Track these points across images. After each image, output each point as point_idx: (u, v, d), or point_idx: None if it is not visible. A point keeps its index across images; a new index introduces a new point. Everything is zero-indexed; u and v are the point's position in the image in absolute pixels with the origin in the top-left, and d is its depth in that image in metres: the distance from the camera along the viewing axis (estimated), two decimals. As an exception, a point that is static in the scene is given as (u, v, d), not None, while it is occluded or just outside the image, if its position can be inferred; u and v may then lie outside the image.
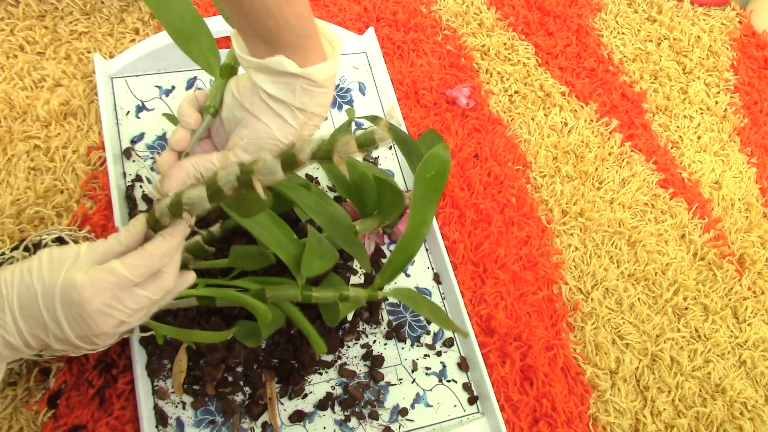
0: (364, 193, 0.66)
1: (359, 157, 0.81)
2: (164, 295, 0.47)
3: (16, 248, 0.57)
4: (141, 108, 0.78)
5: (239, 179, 0.44)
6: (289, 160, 0.44)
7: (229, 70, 0.57)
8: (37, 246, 0.56)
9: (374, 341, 0.70)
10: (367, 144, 0.44)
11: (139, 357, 0.63)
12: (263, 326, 0.57)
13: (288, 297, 0.58)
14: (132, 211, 0.71)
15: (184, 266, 0.60)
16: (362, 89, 0.86)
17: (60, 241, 0.58)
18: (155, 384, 0.63)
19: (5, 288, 0.43)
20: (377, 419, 0.66)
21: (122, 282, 0.44)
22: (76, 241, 0.57)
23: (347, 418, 0.66)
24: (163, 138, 0.76)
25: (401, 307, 0.73)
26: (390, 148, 0.83)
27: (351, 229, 0.65)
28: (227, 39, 0.85)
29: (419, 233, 0.59)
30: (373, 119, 0.49)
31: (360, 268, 0.73)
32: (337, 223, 0.62)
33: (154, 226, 0.48)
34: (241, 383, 0.65)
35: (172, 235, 0.47)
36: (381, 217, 0.67)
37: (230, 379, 0.65)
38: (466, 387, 0.70)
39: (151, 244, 0.46)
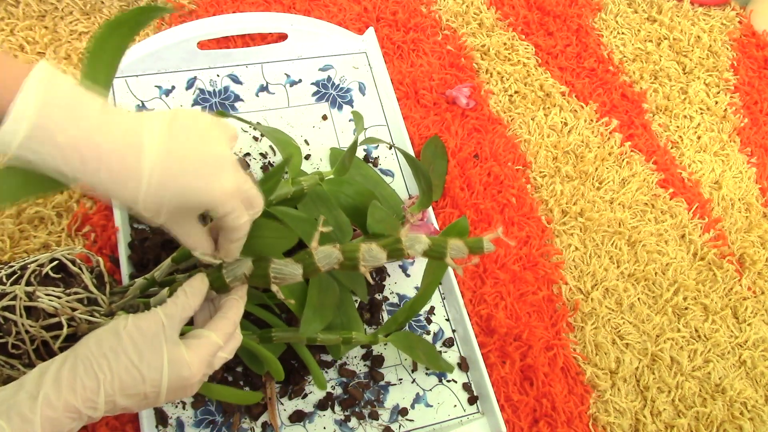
0: (365, 208, 0.66)
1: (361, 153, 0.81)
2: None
3: (12, 275, 0.55)
4: (141, 108, 0.78)
5: (342, 263, 0.48)
6: (397, 253, 0.48)
7: None
8: (38, 275, 0.54)
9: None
10: (475, 252, 0.49)
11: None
12: (271, 369, 0.59)
13: (293, 339, 0.60)
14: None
15: None
16: (362, 89, 0.86)
17: (59, 264, 0.56)
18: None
19: (101, 373, 0.42)
20: (377, 419, 0.66)
21: (216, 350, 0.47)
22: (73, 262, 0.56)
23: (347, 418, 0.66)
24: (163, 138, 0.76)
25: (401, 307, 0.73)
26: (390, 148, 0.83)
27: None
28: (211, 41, 0.85)
29: (426, 296, 0.65)
30: (477, 242, 0.51)
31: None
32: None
33: (218, 287, 0.50)
34: (241, 383, 0.65)
35: (243, 297, 0.50)
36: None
37: (230, 379, 0.65)
38: (466, 387, 0.70)
39: (231, 311, 0.49)
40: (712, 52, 1.04)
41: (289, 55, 0.86)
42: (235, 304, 0.49)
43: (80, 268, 0.56)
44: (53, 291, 0.53)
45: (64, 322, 0.53)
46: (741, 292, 0.83)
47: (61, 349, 0.53)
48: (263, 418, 0.64)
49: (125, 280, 0.65)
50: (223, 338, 0.47)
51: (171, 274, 0.58)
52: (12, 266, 0.55)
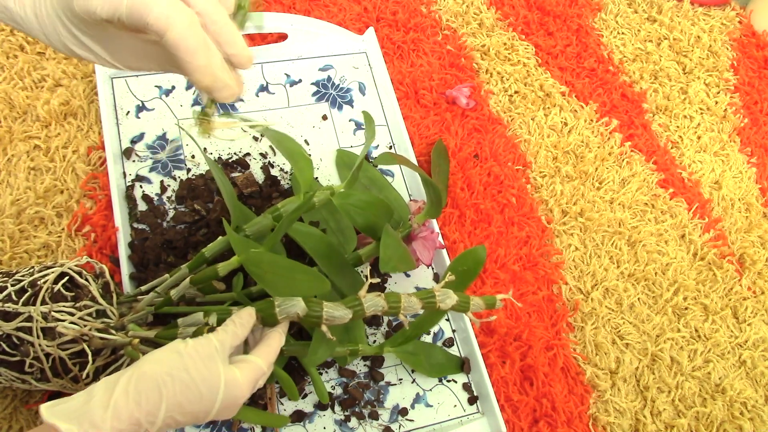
0: (375, 219, 0.66)
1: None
2: None
3: (22, 292, 0.54)
4: (141, 108, 0.78)
5: (386, 311, 0.55)
6: (430, 305, 0.57)
7: None
8: (49, 292, 0.54)
9: (374, 341, 0.70)
10: (490, 307, 0.60)
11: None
12: (287, 390, 0.60)
13: (302, 354, 0.61)
14: (132, 211, 0.71)
15: (191, 301, 0.61)
16: (362, 89, 0.86)
17: (68, 279, 0.56)
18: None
19: (165, 389, 0.44)
20: (377, 419, 0.66)
21: (261, 374, 0.50)
22: (80, 274, 0.56)
23: (347, 418, 0.66)
24: (163, 138, 0.76)
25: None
26: (390, 147, 0.83)
27: (351, 261, 0.67)
28: None
29: (436, 318, 0.68)
30: (492, 300, 0.60)
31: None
32: (339, 262, 0.65)
33: (268, 323, 0.54)
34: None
35: (285, 331, 0.54)
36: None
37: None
38: (466, 387, 0.70)
39: (275, 341, 0.53)
40: (712, 52, 1.04)
41: (289, 55, 0.86)
42: (278, 336, 0.53)
43: (87, 280, 0.56)
44: (64, 307, 0.53)
45: (87, 350, 0.53)
46: (741, 292, 0.83)
47: (75, 364, 0.53)
48: (263, 418, 0.64)
49: (125, 280, 0.65)
50: (267, 365, 0.51)
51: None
52: (20, 280, 0.55)
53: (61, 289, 0.54)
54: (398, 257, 0.65)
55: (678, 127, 0.96)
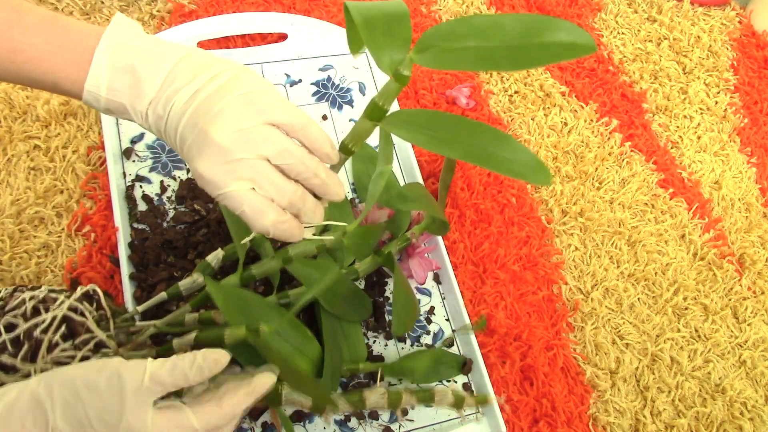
0: (373, 242, 0.66)
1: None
2: None
3: (18, 344, 0.51)
4: (141, 108, 0.78)
5: (385, 408, 0.61)
6: (427, 403, 0.63)
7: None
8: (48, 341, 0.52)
9: (374, 341, 0.70)
10: (481, 404, 0.67)
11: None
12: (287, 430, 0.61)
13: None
14: (132, 211, 0.71)
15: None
16: (362, 89, 0.86)
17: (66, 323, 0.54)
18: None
19: (51, 414, 0.39)
20: (377, 419, 0.66)
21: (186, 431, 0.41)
22: (75, 310, 0.53)
23: (347, 418, 0.66)
24: (163, 138, 0.76)
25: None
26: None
27: (349, 276, 0.67)
28: (211, 41, 0.85)
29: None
30: (484, 398, 0.68)
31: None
32: (342, 293, 0.65)
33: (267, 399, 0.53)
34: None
35: (252, 395, 0.44)
36: (382, 258, 0.68)
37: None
38: (466, 387, 0.70)
39: (230, 403, 0.42)
40: (712, 52, 1.04)
41: (289, 55, 0.86)
42: (242, 398, 0.43)
43: (83, 314, 0.54)
44: (64, 353, 0.51)
45: None
46: (741, 292, 0.83)
47: None
48: (263, 418, 0.64)
49: (125, 280, 0.65)
50: (202, 425, 0.41)
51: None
52: (13, 324, 0.52)
53: (59, 339, 0.52)
54: (408, 316, 0.66)
55: (678, 127, 0.96)
